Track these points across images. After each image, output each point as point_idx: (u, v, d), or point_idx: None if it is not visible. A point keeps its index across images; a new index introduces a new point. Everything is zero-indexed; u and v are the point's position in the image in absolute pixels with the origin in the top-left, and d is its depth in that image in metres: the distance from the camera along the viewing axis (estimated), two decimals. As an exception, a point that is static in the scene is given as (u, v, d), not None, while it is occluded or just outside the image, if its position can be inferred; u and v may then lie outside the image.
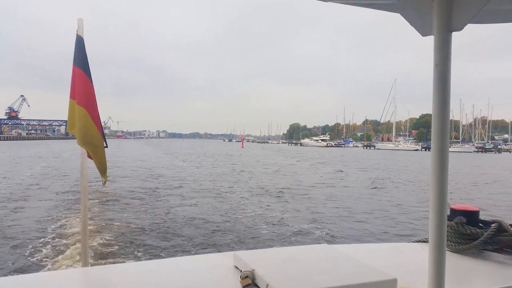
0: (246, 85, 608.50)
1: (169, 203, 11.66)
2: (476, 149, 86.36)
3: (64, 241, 7.15)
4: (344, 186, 17.69)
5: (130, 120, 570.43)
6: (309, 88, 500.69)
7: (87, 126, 2.76)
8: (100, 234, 7.67)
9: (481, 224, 1.83)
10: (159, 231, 8.19)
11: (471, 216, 1.83)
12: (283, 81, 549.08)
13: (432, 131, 1.23)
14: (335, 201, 13.15)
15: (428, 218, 1.25)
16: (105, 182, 2.93)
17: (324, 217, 10.18)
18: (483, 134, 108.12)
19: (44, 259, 6.22)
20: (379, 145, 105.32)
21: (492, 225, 1.76)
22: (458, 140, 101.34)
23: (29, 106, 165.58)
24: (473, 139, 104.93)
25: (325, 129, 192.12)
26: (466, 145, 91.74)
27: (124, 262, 5.83)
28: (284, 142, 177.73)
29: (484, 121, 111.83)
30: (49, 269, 5.65)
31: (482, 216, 1.86)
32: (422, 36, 1.33)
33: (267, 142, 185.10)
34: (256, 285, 1.29)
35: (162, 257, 6.29)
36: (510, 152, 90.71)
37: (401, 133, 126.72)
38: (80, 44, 2.87)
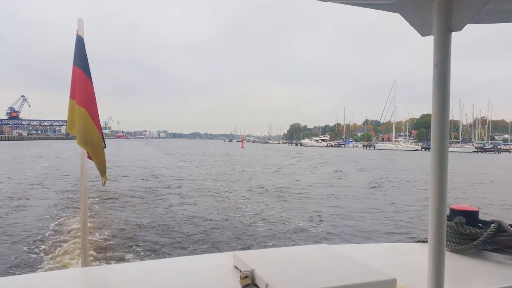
0: (246, 85, 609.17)
1: (169, 203, 11.77)
2: (476, 149, 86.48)
3: (64, 241, 7.19)
4: (342, 185, 17.84)
5: (130, 120, 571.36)
6: (309, 88, 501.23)
7: (87, 126, 2.75)
8: (100, 234, 7.71)
9: (480, 224, 1.84)
10: (159, 231, 8.25)
11: (470, 216, 1.83)
12: (283, 81, 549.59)
13: (432, 131, 1.23)
14: (333, 200, 13.30)
15: (428, 218, 1.26)
16: (105, 182, 2.95)
17: (322, 216, 10.31)
18: (483, 134, 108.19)
19: (44, 259, 6.25)
20: (379, 145, 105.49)
21: (492, 225, 1.76)
22: (458, 140, 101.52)
23: (29, 106, 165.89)
24: (472, 139, 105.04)
25: (325, 129, 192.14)
26: (466, 145, 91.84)
27: (124, 262, 5.87)
28: (284, 142, 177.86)
29: (484, 121, 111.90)
30: (49, 269, 5.67)
31: (481, 216, 1.87)
32: (422, 36, 1.33)
33: (268, 142, 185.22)
34: (255, 285, 1.30)
35: (162, 257, 6.35)
36: (510, 152, 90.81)
37: (402, 133, 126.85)
38: (80, 44, 2.87)
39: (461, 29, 1.20)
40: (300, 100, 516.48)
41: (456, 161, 43.63)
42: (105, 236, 7.53)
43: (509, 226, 1.73)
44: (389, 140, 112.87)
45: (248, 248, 7.36)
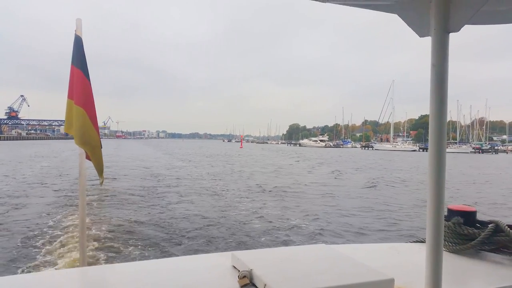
0: (246, 86, 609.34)
1: (168, 202, 11.88)
2: (473, 150, 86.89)
3: (63, 241, 7.16)
4: (338, 185, 18.12)
5: (129, 120, 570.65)
6: (309, 88, 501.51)
7: (85, 126, 2.75)
8: (99, 234, 7.71)
9: (478, 225, 1.84)
10: (158, 231, 8.29)
11: (468, 217, 1.84)
12: (283, 82, 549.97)
13: (430, 131, 1.23)
14: (329, 199, 13.57)
15: (425, 218, 1.27)
16: (102, 182, 2.96)
17: (317, 214, 10.54)
18: (481, 135, 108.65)
19: (42, 259, 6.22)
20: (377, 145, 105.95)
21: (489, 225, 1.77)
22: (456, 141, 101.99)
23: (29, 106, 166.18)
24: (470, 140, 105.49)
25: (324, 130, 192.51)
26: (464, 146, 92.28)
27: (122, 262, 5.85)
28: (283, 143, 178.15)
29: (482, 122, 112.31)
30: (47, 269, 5.65)
31: (479, 217, 1.87)
32: (420, 37, 1.33)
33: (266, 143, 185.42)
34: (254, 285, 1.30)
35: (160, 256, 6.36)
36: (507, 152, 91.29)
37: (400, 134, 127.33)
38: (78, 44, 2.87)
39: (458, 30, 1.21)
40: (300, 100, 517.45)
41: (453, 161, 43.94)
42: (104, 236, 7.57)
43: (506, 227, 1.73)
44: (387, 140, 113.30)
45: (245, 245, 7.52)
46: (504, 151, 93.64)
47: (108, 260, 6.16)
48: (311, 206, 12.04)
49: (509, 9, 1.31)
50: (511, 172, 30.50)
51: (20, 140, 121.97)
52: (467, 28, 1.25)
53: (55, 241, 7.19)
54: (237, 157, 44.56)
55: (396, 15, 1.32)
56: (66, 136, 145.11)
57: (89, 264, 4.98)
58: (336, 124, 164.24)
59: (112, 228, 8.25)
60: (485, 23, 1.41)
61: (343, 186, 17.60)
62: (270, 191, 15.18)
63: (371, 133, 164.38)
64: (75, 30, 2.87)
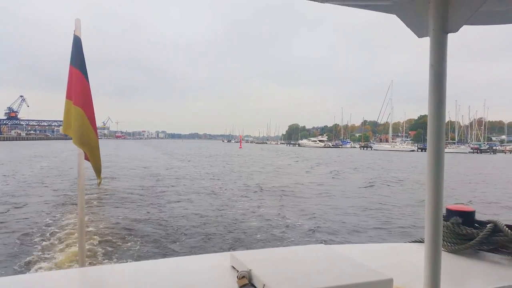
0: (246, 86, 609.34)
1: (167, 202, 11.97)
2: (472, 150, 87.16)
3: (61, 241, 7.15)
4: (334, 184, 18.34)
5: (129, 120, 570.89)
6: (308, 88, 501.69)
7: (84, 126, 2.75)
8: (98, 234, 7.71)
9: (476, 225, 1.85)
10: (157, 230, 8.31)
11: (466, 217, 1.84)
12: (283, 82, 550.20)
13: (428, 132, 1.23)
14: (326, 198, 13.78)
15: (424, 218, 1.27)
16: (100, 183, 2.96)
17: (316, 214, 10.71)
18: (479, 135, 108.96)
19: (40, 259, 6.22)
20: (375, 146, 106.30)
21: (488, 225, 1.77)
22: (454, 141, 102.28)
23: (28, 106, 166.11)
24: (468, 140, 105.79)
25: (324, 130, 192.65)
26: (462, 146, 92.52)
27: (121, 262, 5.85)
28: (282, 143, 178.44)
29: (480, 122, 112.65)
30: (45, 270, 5.62)
31: (477, 217, 1.88)
32: (418, 37, 1.34)
33: (266, 143, 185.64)
34: (253, 285, 1.31)
35: (159, 256, 6.47)
36: (505, 153, 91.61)
37: (399, 134, 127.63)
38: (77, 44, 2.87)
39: (457, 31, 1.21)
40: (300, 100, 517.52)
41: (451, 161, 44.16)
42: (103, 236, 7.59)
43: (505, 227, 1.74)
44: (386, 141, 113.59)
45: (243, 243, 7.60)
46: (502, 151, 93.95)
47: (107, 260, 6.18)
48: (309, 205, 12.19)
49: (507, 9, 1.33)
50: (506, 172, 30.72)
51: (20, 140, 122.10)
52: (465, 29, 1.25)
53: (54, 241, 7.21)
54: (236, 157, 44.76)
55: (394, 16, 1.33)
56: (65, 137, 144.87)
57: (88, 264, 5.05)
58: (336, 124, 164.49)
59: (111, 228, 8.29)
60: (483, 23, 1.42)
61: (341, 186, 17.80)
62: (268, 190, 15.35)
63: (370, 133, 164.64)
64: (74, 31, 2.87)
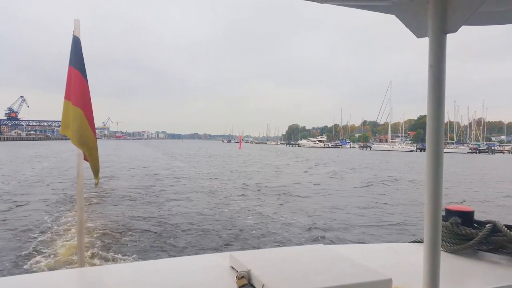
0: (246, 86, 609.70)
1: (166, 202, 12.05)
2: (470, 150, 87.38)
3: (60, 241, 7.14)
4: (332, 184, 18.54)
5: (129, 121, 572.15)
6: (308, 89, 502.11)
7: (83, 127, 2.75)
8: (97, 234, 7.70)
9: (475, 225, 1.84)
10: (155, 230, 8.31)
11: (466, 217, 1.84)
12: (283, 82, 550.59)
13: (427, 132, 1.23)
14: (323, 197, 14.00)
15: (423, 218, 1.27)
16: (97, 183, 2.95)
17: (314, 213, 10.87)
18: (478, 136, 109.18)
19: (39, 259, 6.20)
20: (375, 146, 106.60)
21: (487, 225, 1.77)
22: (453, 141, 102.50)
23: (28, 106, 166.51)
24: (467, 140, 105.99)
25: (323, 130, 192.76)
26: (461, 146, 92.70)
27: (120, 262, 5.88)
28: (282, 143, 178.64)
29: (479, 122, 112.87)
30: (44, 270, 5.61)
31: (477, 217, 1.88)
32: (417, 37, 1.33)
33: (266, 143, 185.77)
34: (252, 285, 1.31)
35: (159, 256, 6.50)
36: (504, 153, 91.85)
37: (399, 134, 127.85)
38: (76, 44, 2.86)
39: (456, 31, 1.21)
40: (300, 101, 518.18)
41: (449, 161, 44.34)
42: (102, 236, 7.60)
43: (504, 227, 1.74)
44: (386, 141, 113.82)
45: (241, 241, 7.67)
46: (501, 151, 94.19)
47: (106, 259, 6.19)
48: (306, 204, 12.36)
49: (506, 10, 1.33)
50: (502, 172, 30.90)
51: (20, 140, 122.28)
52: (464, 29, 1.26)
53: (52, 241, 7.19)
54: (235, 158, 44.94)
55: (393, 16, 1.33)
56: (65, 137, 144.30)
57: (87, 264, 5.04)
58: (335, 124, 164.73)
59: (111, 227, 8.33)
60: (482, 23, 1.42)
61: (338, 185, 18.01)
62: (266, 190, 15.51)
63: (370, 133, 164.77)
64: (73, 31, 2.88)
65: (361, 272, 1.34)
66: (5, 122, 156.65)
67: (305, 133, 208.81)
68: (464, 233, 1.80)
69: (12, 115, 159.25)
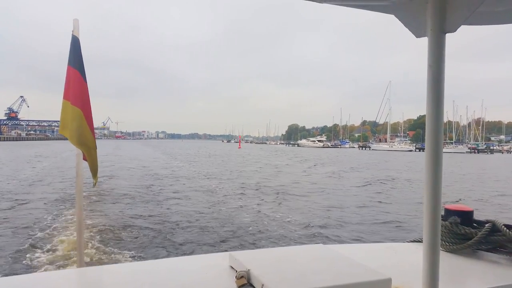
0: (245, 86, 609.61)
1: (165, 202, 12.07)
2: (469, 150, 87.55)
3: (59, 241, 7.12)
4: (330, 183, 18.64)
5: (129, 121, 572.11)
6: (308, 89, 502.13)
7: (82, 127, 2.75)
8: (96, 234, 7.70)
9: (475, 224, 1.85)
10: (155, 230, 8.30)
11: (465, 216, 1.84)
12: (283, 82, 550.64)
13: (426, 132, 1.23)
14: (321, 197, 14.10)
15: (422, 218, 1.27)
16: (95, 184, 2.97)
17: (313, 213, 10.96)
18: (477, 135, 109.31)
19: (38, 260, 6.19)
20: (374, 146, 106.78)
21: (486, 225, 1.77)
22: (452, 141, 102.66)
23: (28, 106, 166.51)
24: (466, 140, 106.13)
25: (323, 130, 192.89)
26: (460, 146, 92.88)
27: (119, 262, 5.79)
28: (282, 143, 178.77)
29: (478, 122, 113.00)
30: (43, 270, 5.60)
31: (476, 216, 1.88)
32: (416, 37, 1.33)
33: (265, 143, 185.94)
34: (251, 285, 1.31)
35: (158, 255, 6.50)
36: (502, 152, 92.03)
37: (398, 134, 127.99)
38: (75, 44, 2.85)
39: (455, 31, 1.21)
40: (299, 100, 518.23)
41: (448, 161, 44.46)
42: (101, 235, 7.61)
43: (503, 226, 1.74)
44: (385, 141, 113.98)
45: (239, 240, 7.71)
46: (500, 151, 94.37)
47: (105, 260, 6.22)
48: (305, 203, 12.44)
49: (505, 10, 1.33)
50: (499, 171, 31.03)
51: (20, 140, 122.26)
52: (464, 29, 1.25)
53: (51, 241, 7.18)
54: (235, 157, 45.04)
55: (392, 16, 1.33)
56: (65, 137, 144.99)
57: (86, 264, 5.05)
58: (335, 124, 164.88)
59: (110, 227, 8.34)
60: (481, 23, 1.41)
61: (337, 185, 18.12)
62: (265, 189, 15.59)
63: (370, 133, 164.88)
64: (72, 31, 2.88)
65: (360, 272, 1.34)
66: (5, 122, 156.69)
67: (305, 133, 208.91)
68: (463, 232, 1.81)
69: (12, 115, 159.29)
